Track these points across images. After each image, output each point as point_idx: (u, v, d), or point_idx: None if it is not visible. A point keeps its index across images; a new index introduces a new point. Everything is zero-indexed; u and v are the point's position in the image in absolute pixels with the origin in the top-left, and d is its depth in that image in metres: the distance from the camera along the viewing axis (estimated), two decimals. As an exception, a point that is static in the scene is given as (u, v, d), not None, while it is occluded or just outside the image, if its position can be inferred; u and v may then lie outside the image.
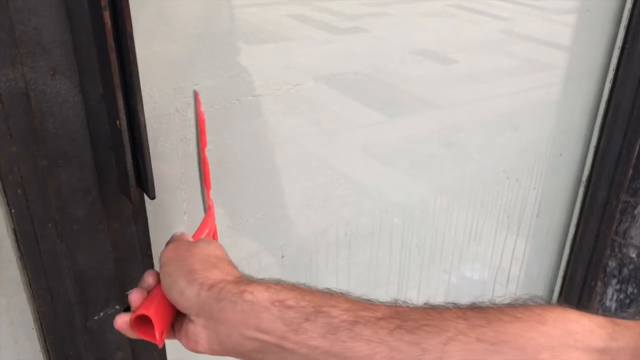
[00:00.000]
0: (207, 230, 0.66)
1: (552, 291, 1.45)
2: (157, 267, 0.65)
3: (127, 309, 0.70)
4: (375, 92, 0.93)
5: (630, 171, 1.22)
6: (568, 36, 1.14)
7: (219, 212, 0.75)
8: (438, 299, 1.27)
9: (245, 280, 0.50)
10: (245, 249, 0.90)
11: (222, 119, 0.75)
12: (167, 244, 0.58)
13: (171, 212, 0.73)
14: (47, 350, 0.66)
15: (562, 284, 1.42)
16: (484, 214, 1.22)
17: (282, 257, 0.94)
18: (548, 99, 1.18)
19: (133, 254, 0.67)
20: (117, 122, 0.56)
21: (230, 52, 0.73)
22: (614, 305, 1.37)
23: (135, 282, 0.69)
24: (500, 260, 1.33)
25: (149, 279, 0.56)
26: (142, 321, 0.53)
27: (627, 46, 1.12)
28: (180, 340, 0.53)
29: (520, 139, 1.19)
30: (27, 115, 0.54)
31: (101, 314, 0.67)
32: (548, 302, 0.47)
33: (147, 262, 0.69)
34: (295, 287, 0.49)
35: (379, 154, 0.99)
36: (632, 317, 1.37)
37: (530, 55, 1.11)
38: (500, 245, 1.31)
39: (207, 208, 0.70)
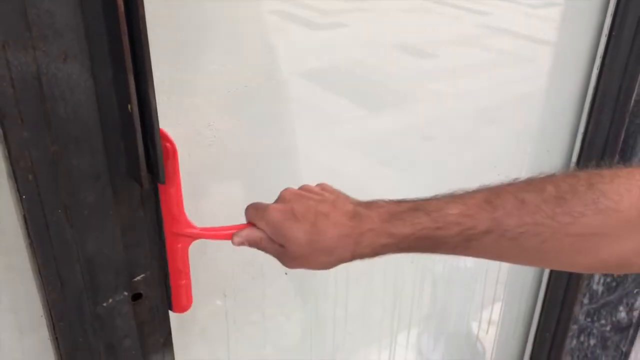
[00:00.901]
0: None
1: (541, 277, 1.48)
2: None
3: (135, 296, 0.70)
4: (356, 86, 0.94)
5: (617, 157, 1.25)
6: (554, 25, 1.16)
7: (199, 213, 0.77)
8: (425, 289, 1.29)
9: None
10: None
11: (203, 114, 0.75)
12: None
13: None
14: (56, 337, 0.66)
15: (551, 270, 1.44)
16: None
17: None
18: (534, 90, 1.21)
19: (142, 240, 0.68)
20: (129, 106, 0.57)
21: (210, 48, 0.74)
22: (600, 289, 1.41)
23: (144, 269, 0.69)
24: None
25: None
26: None
27: (613, 34, 1.15)
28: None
29: (505, 130, 1.21)
30: (39, 99, 0.54)
31: (110, 300, 0.67)
32: None
33: (155, 248, 0.69)
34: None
35: (361, 147, 1.00)
36: (618, 301, 1.39)
37: (515, 48, 1.13)
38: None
39: None
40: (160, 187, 0.67)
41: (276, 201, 0.67)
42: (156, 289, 0.72)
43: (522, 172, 1.27)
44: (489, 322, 1.51)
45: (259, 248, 0.67)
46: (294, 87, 0.85)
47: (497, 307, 1.49)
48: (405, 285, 1.23)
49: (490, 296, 1.46)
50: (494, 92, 1.13)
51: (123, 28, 0.52)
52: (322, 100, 0.91)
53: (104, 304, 0.67)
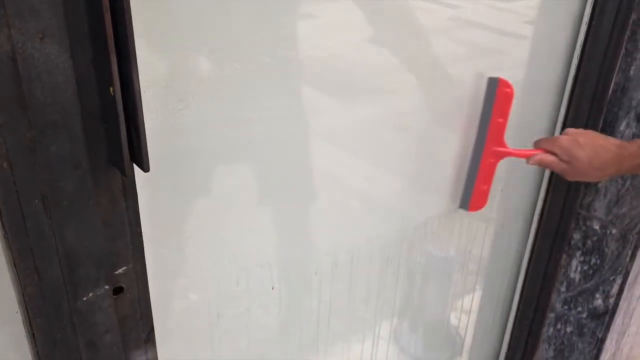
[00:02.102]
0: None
1: (519, 265, 1.49)
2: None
3: (116, 290, 0.68)
4: (328, 78, 0.93)
5: (595, 145, 1.26)
6: (534, 13, 1.16)
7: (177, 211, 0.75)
8: (405, 281, 1.29)
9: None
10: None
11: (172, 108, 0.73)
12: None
13: (160, 189, 0.71)
14: (33, 334, 0.63)
15: (530, 258, 1.46)
16: (445, 194, 1.24)
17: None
18: (515, 79, 1.21)
19: (123, 232, 0.65)
20: (111, 89, 0.54)
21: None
22: (577, 277, 1.42)
23: (125, 261, 0.67)
24: (467, 239, 1.36)
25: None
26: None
27: (593, 23, 1.15)
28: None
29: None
30: (14, 81, 0.51)
31: (90, 294, 0.64)
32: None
33: (137, 240, 0.66)
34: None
35: (334, 139, 0.99)
36: (594, 289, 1.46)
37: (490, 39, 1.13)
38: (464, 224, 1.33)
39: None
40: (494, 115, 1.06)
41: (561, 134, 1.05)
42: (138, 283, 0.69)
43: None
44: (469, 312, 1.52)
45: (549, 167, 1.07)
46: (266, 78, 0.83)
47: (476, 296, 1.50)
48: (386, 278, 1.23)
49: (469, 286, 1.46)
50: (469, 83, 1.13)
51: (105, 4, 0.49)
52: (293, 92, 0.89)
53: (84, 298, 0.64)
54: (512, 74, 1.19)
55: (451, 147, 1.17)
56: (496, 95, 1.06)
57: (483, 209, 1.30)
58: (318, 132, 0.94)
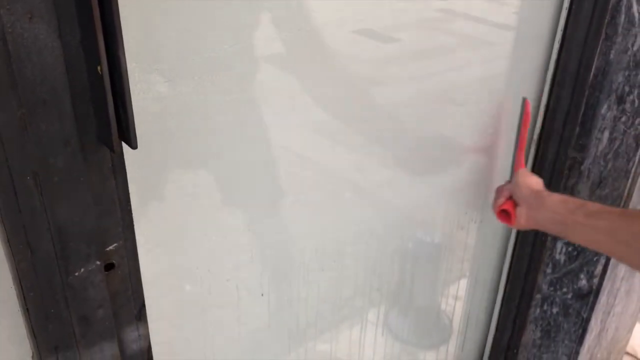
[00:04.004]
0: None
1: (505, 247, 1.51)
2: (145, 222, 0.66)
3: (107, 266, 0.70)
4: (320, 71, 0.94)
5: (577, 128, 1.29)
6: (516, 1, 1.19)
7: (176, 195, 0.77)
8: (392, 271, 1.31)
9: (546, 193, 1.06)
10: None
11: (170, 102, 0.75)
12: (517, 174, 1.13)
13: (149, 166, 0.73)
14: (27, 309, 0.65)
15: (515, 241, 1.48)
16: (436, 184, 1.27)
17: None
18: (496, 68, 1.23)
19: (113, 208, 0.67)
20: (98, 67, 0.56)
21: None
22: (562, 258, 1.45)
23: (115, 238, 0.69)
24: (455, 223, 1.39)
25: (504, 192, 1.14)
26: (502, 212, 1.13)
27: (573, 7, 1.18)
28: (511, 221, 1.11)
29: (468, 111, 1.23)
30: (4, 60, 0.53)
31: (82, 270, 0.66)
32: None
33: (126, 217, 0.68)
34: (567, 199, 1.01)
35: (326, 132, 1.01)
36: (579, 269, 1.49)
37: (475, 30, 1.16)
38: (453, 212, 1.36)
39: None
40: (523, 127, 1.21)
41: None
42: (129, 259, 0.71)
43: (484, 152, 1.30)
44: (457, 296, 1.54)
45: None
46: (258, 71, 0.85)
47: (464, 281, 1.53)
48: (375, 263, 1.25)
49: (457, 271, 1.49)
50: (456, 73, 1.15)
51: (91, -15, 0.51)
52: (285, 85, 0.91)
53: (76, 274, 0.66)
54: (496, 63, 1.22)
55: (442, 136, 1.20)
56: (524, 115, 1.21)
57: (468, 194, 1.33)
58: (309, 125, 0.97)
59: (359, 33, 0.97)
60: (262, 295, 1.06)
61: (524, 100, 1.20)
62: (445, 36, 1.12)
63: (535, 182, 1.11)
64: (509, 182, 1.17)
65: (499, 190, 1.16)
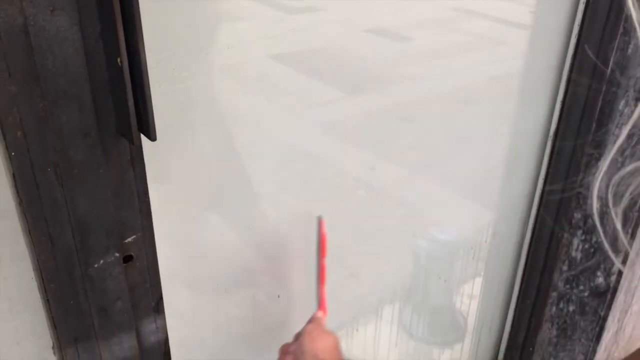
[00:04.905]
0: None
1: (521, 245, 1.51)
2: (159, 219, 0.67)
3: (126, 258, 0.70)
4: (332, 70, 0.95)
5: (594, 125, 1.28)
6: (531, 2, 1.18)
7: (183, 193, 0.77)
8: (407, 269, 1.31)
9: None
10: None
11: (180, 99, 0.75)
12: (309, 322, 0.90)
13: (166, 158, 0.73)
14: (48, 300, 0.66)
15: (531, 238, 1.47)
16: (448, 182, 1.26)
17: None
18: (512, 68, 1.22)
19: (132, 201, 0.67)
20: (118, 59, 0.56)
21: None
22: (579, 256, 1.44)
23: (134, 230, 0.69)
24: (470, 218, 1.38)
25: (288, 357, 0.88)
26: None
27: (590, 1, 1.17)
28: None
29: (481, 110, 1.23)
30: (26, 53, 0.53)
31: (101, 261, 0.67)
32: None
33: (145, 209, 0.69)
34: None
35: (338, 130, 1.01)
36: (596, 267, 1.42)
37: (490, 25, 1.15)
38: (467, 210, 1.35)
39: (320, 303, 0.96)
40: (321, 254, 0.95)
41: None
42: (147, 252, 0.72)
43: (497, 150, 1.30)
44: (472, 294, 1.54)
45: None
46: (270, 70, 0.85)
47: (479, 278, 1.52)
48: (388, 261, 1.25)
49: (472, 269, 1.48)
50: (470, 72, 1.15)
51: (112, -22, 0.52)
52: (297, 84, 0.91)
53: (95, 265, 0.67)
54: (509, 64, 1.21)
55: (457, 136, 1.19)
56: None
57: (483, 191, 1.32)
58: (321, 124, 0.97)
59: (371, 32, 0.97)
60: (279, 296, 1.06)
61: (319, 221, 0.96)
62: (460, 35, 1.11)
63: (325, 346, 0.85)
64: (297, 339, 0.89)
65: (283, 352, 0.90)
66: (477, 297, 1.54)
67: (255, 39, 0.82)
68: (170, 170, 0.79)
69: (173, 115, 0.76)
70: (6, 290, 0.70)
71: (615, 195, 1.34)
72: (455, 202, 1.31)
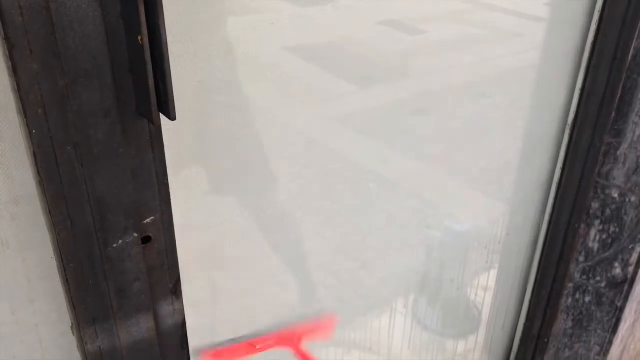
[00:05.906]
0: None
1: (537, 236, 1.49)
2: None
3: (144, 239, 0.70)
4: (346, 63, 0.94)
5: (614, 113, 1.26)
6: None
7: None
8: (421, 261, 1.30)
9: None
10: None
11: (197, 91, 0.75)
12: None
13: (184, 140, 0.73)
14: (67, 279, 0.66)
15: (548, 228, 1.46)
16: (463, 174, 1.25)
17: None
18: (532, 50, 1.21)
19: (151, 181, 0.67)
20: (139, 38, 0.56)
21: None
22: (596, 246, 1.42)
23: (153, 211, 0.69)
24: (485, 210, 1.37)
25: None
26: None
27: (611, -12, 1.15)
28: None
29: (497, 101, 1.22)
30: (47, 30, 0.53)
31: (120, 242, 0.67)
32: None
33: (163, 190, 0.69)
34: None
35: (352, 123, 1.01)
36: (614, 258, 1.38)
37: (510, 9, 1.14)
38: (482, 201, 1.34)
39: None
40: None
41: None
42: (165, 233, 0.72)
43: (513, 141, 1.29)
44: (487, 284, 1.53)
45: None
46: (284, 63, 0.85)
47: (495, 268, 1.51)
48: (402, 253, 1.25)
49: (488, 258, 1.48)
50: (485, 64, 1.14)
51: (133, -46, 0.51)
52: (312, 77, 0.91)
53: (114, 245, 0.67)
54: (529, 45, 1.20)
55: (472, 127, 1.18)
56: None
57: (498, 183, 1.31)
58: (335, 116, 0.96)
59: (386, 24, 0.97)
60: (286, 286, 1.06)
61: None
62: (474, 28, 1.10)
63: None
64: None
65: None
66: (492, 288, 1.53)
67: (271, 31, 0.82)
68: (189, 153, 0.79)
69: (194, 95, 0.75)
70: (25, 273, 0.71)
71: (634, 184, 1.32)
72: (470, 193, 1.30)
